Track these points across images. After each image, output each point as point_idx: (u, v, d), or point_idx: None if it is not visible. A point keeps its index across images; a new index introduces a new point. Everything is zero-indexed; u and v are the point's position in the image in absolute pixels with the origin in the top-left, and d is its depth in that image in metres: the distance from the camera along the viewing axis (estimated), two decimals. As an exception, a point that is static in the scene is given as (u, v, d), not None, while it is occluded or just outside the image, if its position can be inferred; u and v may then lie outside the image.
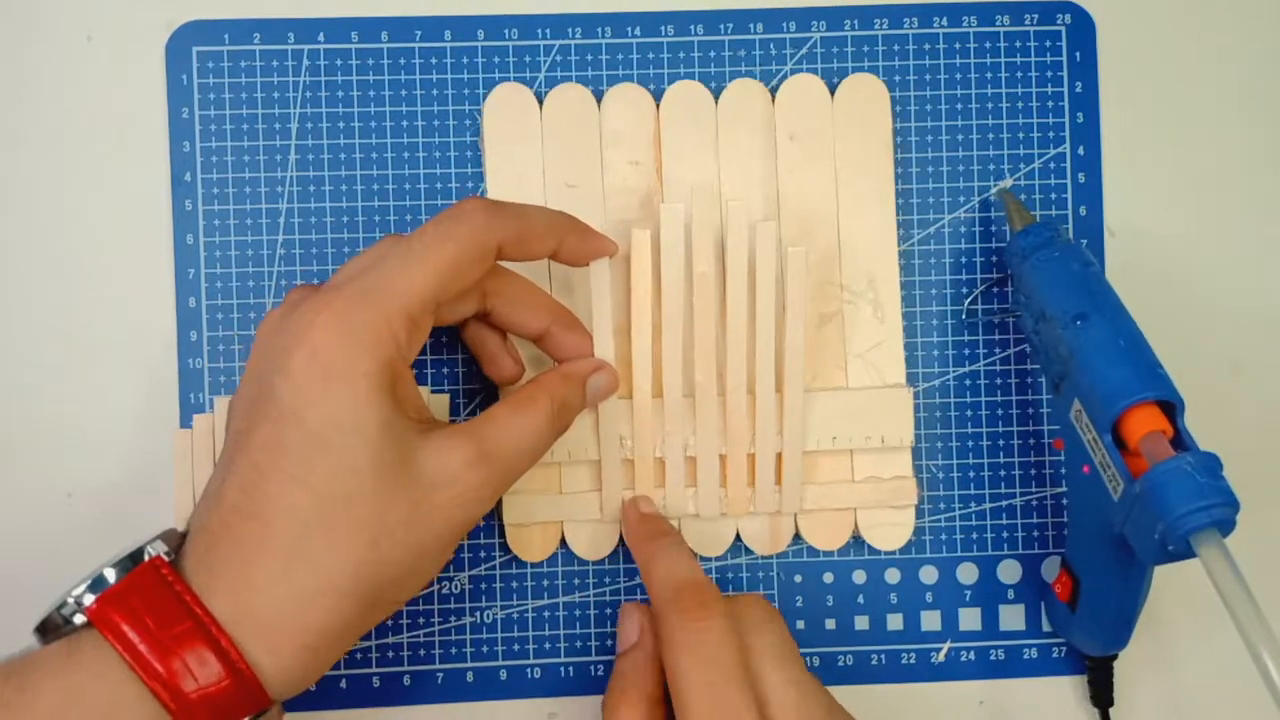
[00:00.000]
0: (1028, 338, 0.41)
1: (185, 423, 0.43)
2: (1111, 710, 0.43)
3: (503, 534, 0.43)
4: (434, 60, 0.43)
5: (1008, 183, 0.44)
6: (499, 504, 0.42)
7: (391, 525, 0.33)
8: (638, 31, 0.44)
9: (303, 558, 0.32)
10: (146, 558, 0.33)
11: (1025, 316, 0.40)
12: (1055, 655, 0.44)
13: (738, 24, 0.44)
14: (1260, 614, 0.31)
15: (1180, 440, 0.35)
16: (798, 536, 0.43)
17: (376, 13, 0.43)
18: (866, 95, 0.43)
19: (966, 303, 0.44)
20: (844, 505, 0.43)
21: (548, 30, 0.43)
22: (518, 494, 0.42)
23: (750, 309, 0.41)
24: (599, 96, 0.43)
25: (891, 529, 0.43)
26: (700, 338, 0.41)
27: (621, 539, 0.43)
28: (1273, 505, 0.44)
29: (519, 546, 0.43)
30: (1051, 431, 0.44)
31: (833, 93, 0.43)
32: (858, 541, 0.43)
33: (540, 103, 0.43)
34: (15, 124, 0.43)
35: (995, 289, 0.44)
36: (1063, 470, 0.44)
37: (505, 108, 0.43)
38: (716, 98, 0.43)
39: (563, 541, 0.43)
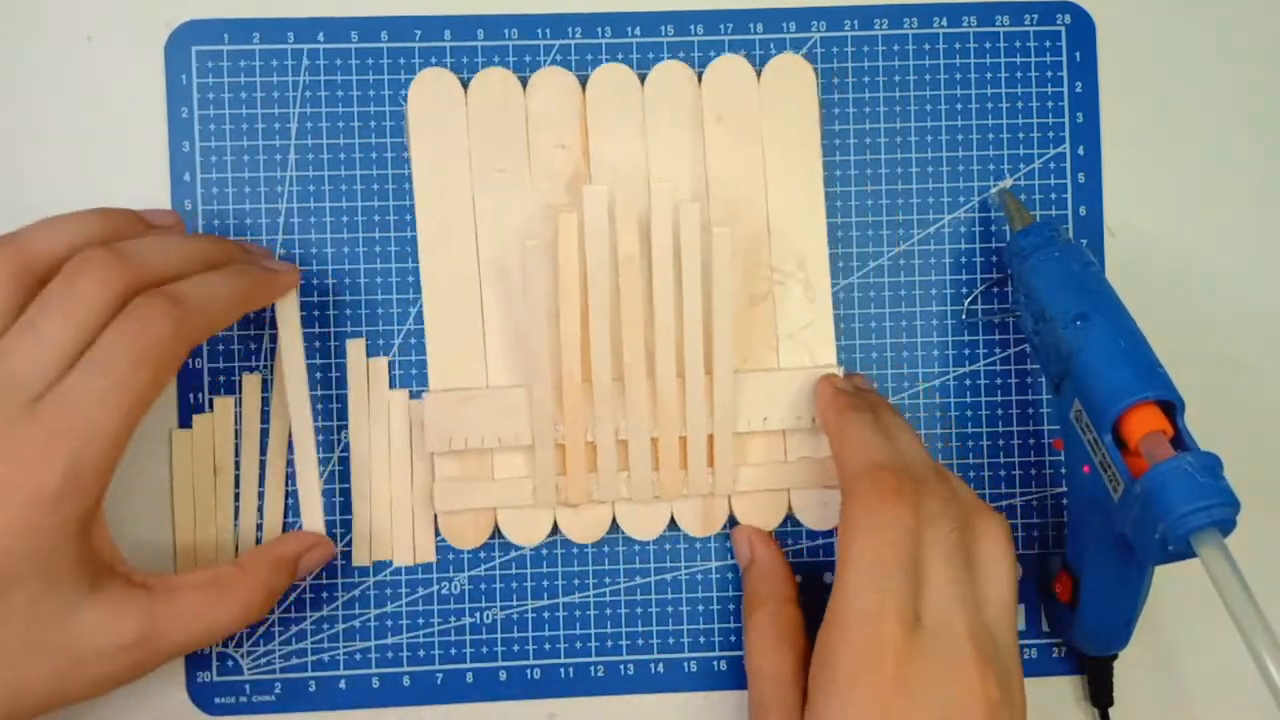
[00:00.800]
0: (1028, 338, 0.41)
1: (185, 423, 0.42)
2: (1111, 710, 0.43)
3: (499, 534, 0.43)
4: (434, 60, 0.43)
5: (1008, 183, 0.44)
6: (429, 492, 0.42)
7: (32, 684, 0.32)
8: (638, 31, 0.43)
9: None
10: None
11: (1025, 316, 0.40)
12: (1055, 655, 0.44)
13: (738, 24, 0.44)
14: (1261, 614, 0.31)
15: (1181, 440, 0.35)
16: (732, 518, 0.43)
17: (376, 12, 0.43)
18: (793, 76, 0.43)
19: (966, 303, 0.44)
20: (777, 486, 0.43)
21: (548, 30, 0.43)
22: (449, 481, 0.42)
23: (677, 291, 0.41)
24: (524, 81, 0.43)
25: (824, 509, 0.43)
26: (628, 320, 0.41)
27: (556, 525, 0.43)
28: (1274, 505, 0.44)
29: (451, 534, 0.42)
30: (1051, 431, 0.44)
31: (759, 74, 0.43)
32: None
33: (465, 88, 0.43)
34: (15, 124, 0.43)
35: (995, 289, 0.44)
36: (1063, 470, 0.44)
37: (430, 94, 0.43)
38: (643, 80, 0.43)
39: (496, 529, 0.43)
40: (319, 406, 0.43)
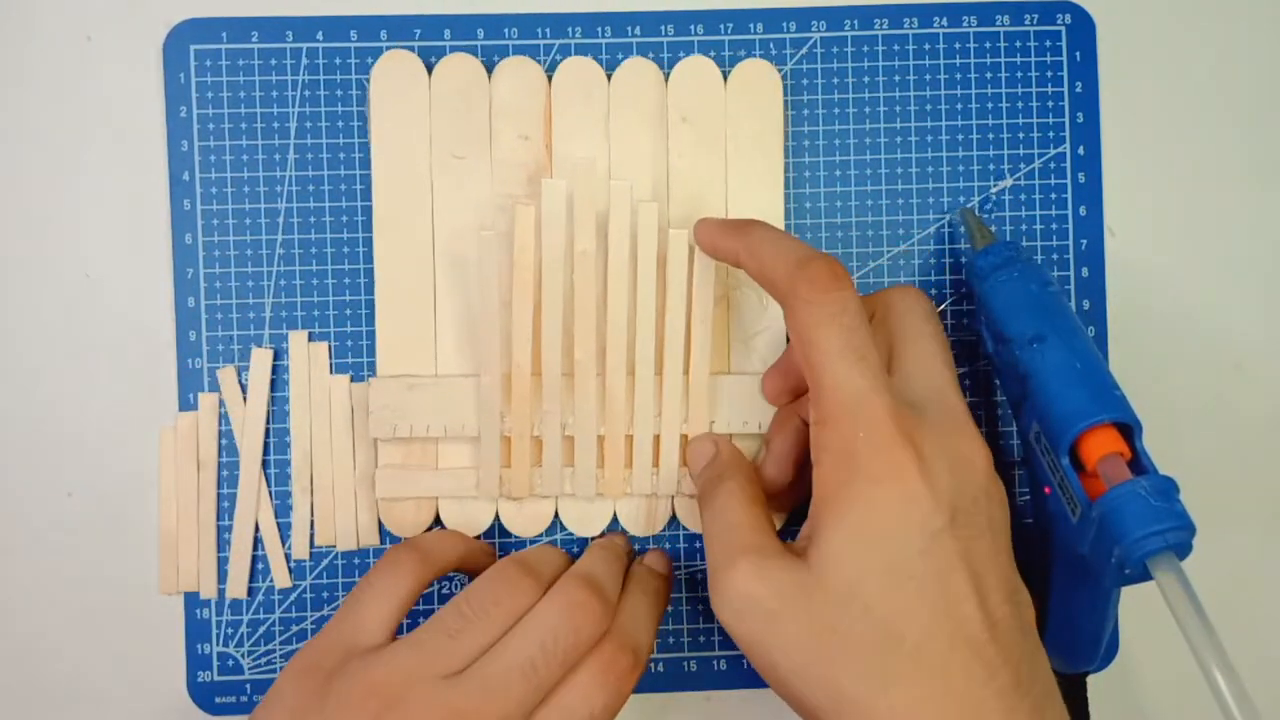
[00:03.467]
0: (989, 359, 0.40)
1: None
2: None
3: (503, 533, 0.43)
4: (433, 59, 0.43)
5: (973, 202, 0.43)
6: (373, 480, 0.42)
7: None
8: (638, 31, 0.43)
9: None
10: None
11: (985, 336, 0.40)
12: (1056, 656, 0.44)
13: (738, 24, 0.44)
14: (1215, 637, 0.31)
15: (1139, 462, 0.35)
16: (674, 519, 0.43)
17: (375, 11, 0.43)
18: (759, 81, 0.43)
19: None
20: None
21: (548, 30, 0.43)
22: (391, 468, 0.42)
23: (631, 290, 0.41)
24: (490, 68, 0.43)
25: None
26: (581, 316, 0.41)
27: (498, 516, 0.43)
28: (1274, 505, 0.44)
29: (391, 521, 0.42)
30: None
31: (726, 76, 0.43)
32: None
33: (429, 72, 0.42)
34: (15, 124, 0.43)
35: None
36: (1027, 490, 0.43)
37: (393, 76, 0.42)
38: (610, 76, 0.43)
39: (437, 518, 0.43)
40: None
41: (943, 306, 0.44)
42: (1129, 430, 0.35)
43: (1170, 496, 0.33)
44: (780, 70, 0.44)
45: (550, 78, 0.43)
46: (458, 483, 0.42)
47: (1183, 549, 0.33)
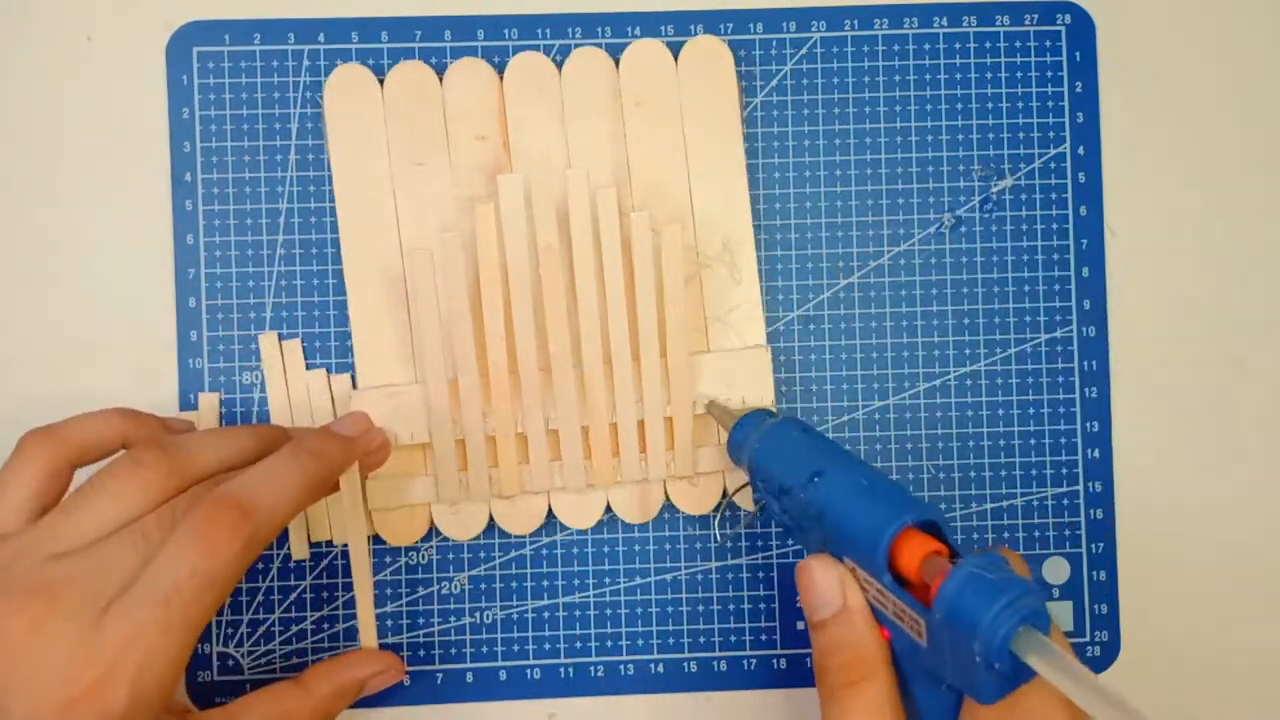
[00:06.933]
0: (780, 524, 0.39)
1: (185, 422, 0.43)
2: None
3: (502, 534, 0.43)
4: (434, 60, 0.43)
5: (709, 398, 0.42)
6: (364, 489, 0.42)
7: None
8: (638, 31, 0.44)
9: None
10: None
11: (770, 503, 0.38)
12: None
13: (738, 24, 0.44)
14: (1112, 697, 0.27)
15: (958, 556, 0.32)
16: (669, 503, 0.43)
17: (376, 13, 0.43)
18: (710, 57, 0.43)
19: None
20: (710, 469, 0.43)
21: (548, 30, 0.43)
22: (382, 479, 0.42)
23: (599, 278, 0.41)
24: (440, 72, 0.43)
25: None
26: (551, 310, 0.41)
27: (492, 518, 0.42)
28: (1275, 504, 0.44)
29: (387, 531, 0.42)
30: (1052, 431, 0.44)
31: (676, 57, 0.43)
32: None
33: (381, 82, 0.42)
34: (15, 124, 0.43)
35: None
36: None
37: (345, 89, 0.42)
38: (560, 68, 0.43)
39: (434, 526, 0.43)
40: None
41: (944, 307, 0.44)
42: (936, 529, 0.33)
43: (1004, 567, 0.30)
44: (780, 70, 0.44)
45: (502, 76, 0.43)
46: (448, 487, 0.42)
47: (1039, 617, 0.29)
